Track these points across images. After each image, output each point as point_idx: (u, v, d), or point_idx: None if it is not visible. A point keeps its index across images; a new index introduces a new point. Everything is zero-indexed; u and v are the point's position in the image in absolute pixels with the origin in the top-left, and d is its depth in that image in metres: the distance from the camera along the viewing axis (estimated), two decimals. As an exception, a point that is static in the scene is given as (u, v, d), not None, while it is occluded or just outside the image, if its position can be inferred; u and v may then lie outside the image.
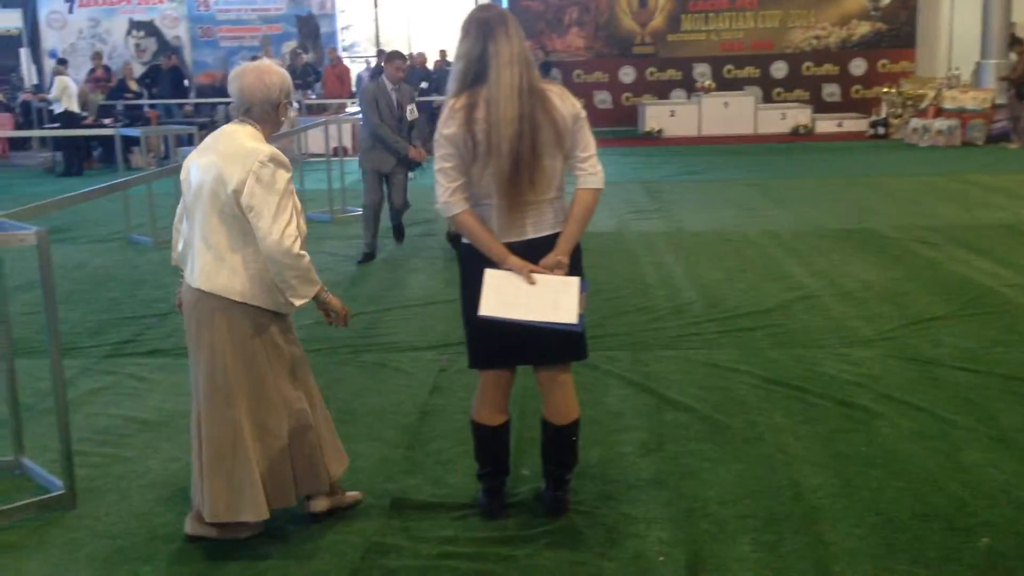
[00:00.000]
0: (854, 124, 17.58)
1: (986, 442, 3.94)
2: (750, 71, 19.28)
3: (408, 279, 7.20)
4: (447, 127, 3.06)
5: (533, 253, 3.14)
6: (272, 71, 3.16)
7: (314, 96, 17.49)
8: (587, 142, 3.16)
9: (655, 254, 7.73)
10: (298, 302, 3.12)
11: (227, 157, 3.07)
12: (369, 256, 7.76)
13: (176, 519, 3.39)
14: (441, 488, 3.64)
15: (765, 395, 4.58)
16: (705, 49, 19.29)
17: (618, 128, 18.75)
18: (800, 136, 17.20)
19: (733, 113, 17.70)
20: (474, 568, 3.09)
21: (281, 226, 3.00)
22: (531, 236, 3.14)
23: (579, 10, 19.30)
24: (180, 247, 3.27)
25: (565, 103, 3.12)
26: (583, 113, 3.17)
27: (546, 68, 18.65)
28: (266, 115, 3.17)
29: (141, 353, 5.43)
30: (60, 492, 3.56)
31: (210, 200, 3.08)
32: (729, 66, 19.28)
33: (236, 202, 3.02)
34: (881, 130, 16.65)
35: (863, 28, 19.13)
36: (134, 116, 15.95)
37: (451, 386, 4.79)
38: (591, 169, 3.16)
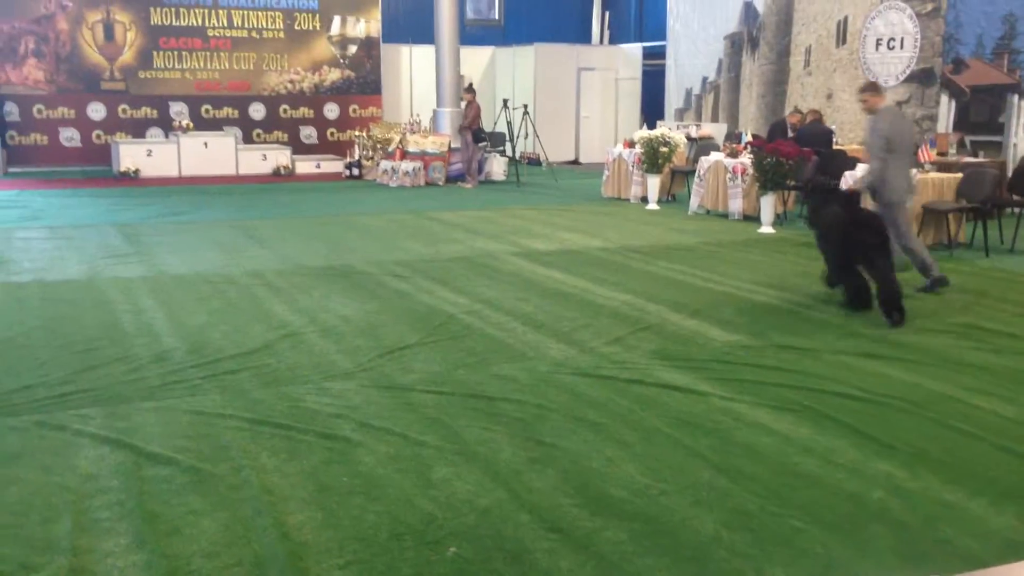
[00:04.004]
0: (331, 165, 18.39)
1: (452, 457, 4.33)
2: (229, 111, 19.26)
3: None
4: None
5: None
6: None
7: None
8: None
9: (133, 301, 7.34)
10: None
11: None
12: None
13: None
14: None
15: (251, 437, 4.57)
16: (180, 88, 18.87)
17: (89, 168, 17.58)
18: (281, 176, 17.55)
19: (214, 153, 17.53)
20: None
21: None
22: None
23: (36, 39, 17.76)
24: None
25: None
26: None
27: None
28: None
29: None
30: None
31: None
32: (207, 106, 19.08)
33: None
34: (356, 171, 17.62)
35: (334, 75, 20.14)
36: None
37: None
38: None
